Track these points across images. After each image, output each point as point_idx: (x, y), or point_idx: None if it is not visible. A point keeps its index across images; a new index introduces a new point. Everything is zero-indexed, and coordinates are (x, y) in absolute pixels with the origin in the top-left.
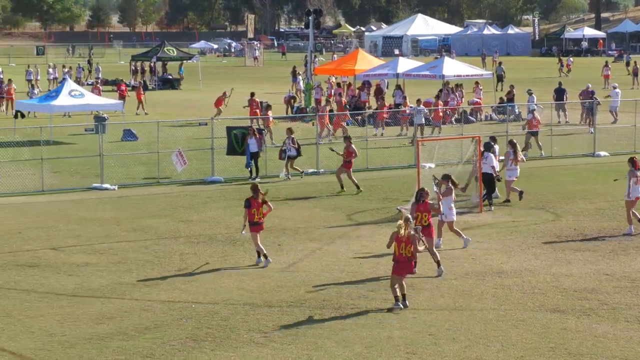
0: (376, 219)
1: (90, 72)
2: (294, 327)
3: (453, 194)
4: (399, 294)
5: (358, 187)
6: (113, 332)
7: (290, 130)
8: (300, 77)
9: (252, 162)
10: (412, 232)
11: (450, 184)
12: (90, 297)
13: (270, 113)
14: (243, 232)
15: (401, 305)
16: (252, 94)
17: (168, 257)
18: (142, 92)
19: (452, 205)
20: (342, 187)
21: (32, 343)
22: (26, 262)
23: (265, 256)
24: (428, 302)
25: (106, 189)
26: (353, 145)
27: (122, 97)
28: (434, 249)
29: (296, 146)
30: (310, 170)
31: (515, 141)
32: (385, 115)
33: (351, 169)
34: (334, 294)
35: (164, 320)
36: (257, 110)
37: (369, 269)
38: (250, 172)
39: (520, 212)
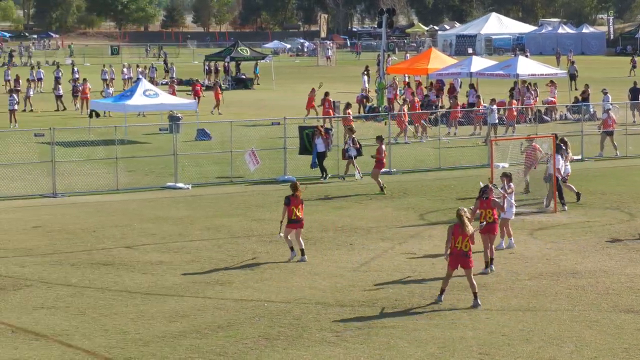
0: (449, 219)
1: (166, 71)
2: (366, 327)
3: (513, 193)
4: (445, 287)
5: (382, 189)
6: (186, 330)
7: (351, 130)
8: (365, 77)
9: (317, 162)
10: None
11: (509, 183)
12: (164, 296)
13: (350, 112)
14: (281, 234)
15: (442, 300)
16: (327, 94)
17: (241, 255)
18: (220, 92)
19: (513, 202)
20: (381, 188)
21: (106, 341)
22: (100, 261)
23: (302, 252)
24: (501, 303)
25: (180, 188)
26: (383, 146)
27: (197, 96)
28: (492, 247)
29: (357, 146)
30: (382, 170)
31: (566, 139)
32: (458, 115)
33: (381, 170)
34: (406, 294)
35: (236, 319)
36: (330, 110)
37: (441, 269)
38: (322, 172)
39: (595, 213)
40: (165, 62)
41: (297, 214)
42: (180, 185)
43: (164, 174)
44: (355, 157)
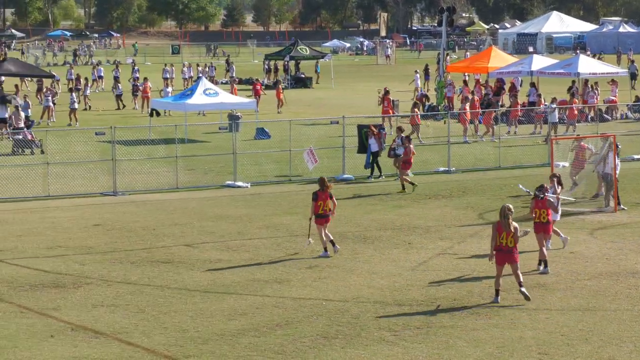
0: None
1: (227, 70)
2: (424, 326)
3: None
4: (498, 287)
5: (403, 188)
6: (245, 328)
7: (400, 130)
8: (418, 75)
9: (372, 161)
10: (515, 225)
11: (559, 184)
12: (223, 294)
13: (417, 110)
14: (310, 240)
15: (499, 301)
16: (387, 92)
17: (299, 254)
18: (281, 91)
19: (558, 205)
20: (412, 183)
21: (165, 339)
22: (160, 259)
23: (333, 243)
24: (561, 303)
25: (239, 186)
26: (411, 145)
27: (257, 95)
28: (544, 248)
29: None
30: (441, 169)
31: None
32: (518, 114)
33: (408, 170)
34: (464, 293)
35: (295, 317)
36: (390, 109)
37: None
38: (372, 170)
39: None
40: (227, 61)
41: (325, 208)
42: (239, 183)
43: (223, 172)
44: (400, 156)
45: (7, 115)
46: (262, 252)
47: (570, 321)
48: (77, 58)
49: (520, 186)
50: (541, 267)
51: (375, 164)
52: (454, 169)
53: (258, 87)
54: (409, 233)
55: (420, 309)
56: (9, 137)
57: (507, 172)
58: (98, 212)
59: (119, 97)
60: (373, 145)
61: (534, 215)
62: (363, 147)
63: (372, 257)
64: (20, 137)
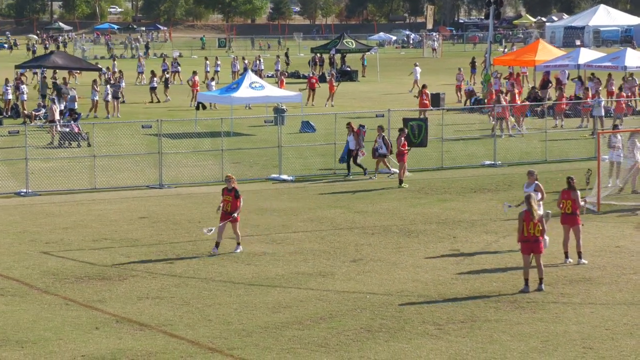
0: (554, 212)
1: (287, 64)
2: (468, 320)
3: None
4: (527, 277)
5: (401, 182)
6: (289, 321)
7: (381, 129)
8: (418, 68)
9: (346, 158)
10: (542, 213)
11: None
12: (267, 287)
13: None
14: (211, 229)
15: (529, 289)
16: (424, 86)
17: (343, 247)
18: (334, 84)
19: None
20: (401, 181)
21: (210, 331)
22: (205, 251)
23: (217, 245)
24: (606, 297)
25: (284, 180)
26: (403, 137)
27: (312, 89)
28: (580, 242)
29: (388, 144)
30: (487, 162)
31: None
32: (564, 107)
33: (404, 162)
34: (509, 287)
35: (338, 310)
36: (427, 102)
37: (545, 262)
38: (348, 169)
39: None
40: (286, 55)
41: (226, 207)
42: (284, 177)
43: (268, 165)
44: (385, 156)
45: (62, 107)
46: (306, 245)
47: (615, 315)
48: (148, 51)
49: (506, 205)
50: (569, 260)
51: (355, 162)
52: (500, 162)
53: (313, 80)
54: (453, 227)
55: (465, 302)
56: (55, 130)
57: (553, 165)
58: (144, 205)
59: (152, 90)
60: (351, 142)
61: (560, 206)
62: (409, 141)
63: (416, 250)
64: (67, 129)
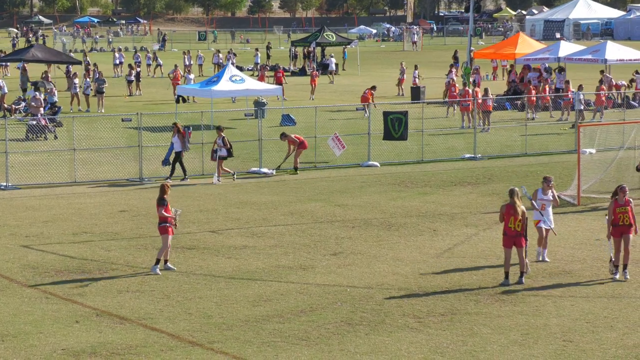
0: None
1: (268, 57)
2: (449, 313)
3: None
4: (508, 270)
5: (296, 169)
6: (269, 314)
7: (220, 129)
8: (404, 68)
9: (174, 161)
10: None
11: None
12: (247, 280)
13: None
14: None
15: (509, 283)
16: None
17: (324, 241)
18: (316, 77)
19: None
20: (296, 168)
21: (190, 325)
22: (185, 245)
23: (157, 262)
24: (586, 290)
25: (264, 173)
26: (292, 135)
27: (278, 83)
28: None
29: (228, 146)
30: (467, 155)
31: None
32: (534, 100)
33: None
34: (490, 280)
35: (319, 304)
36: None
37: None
38: (172, 171)
39: None
40: (267, 48)
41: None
42: (264, 170)
43: (249, 159)
44: (225, 158)
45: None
46: (287, 238)
47: (595, 308)
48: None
49: (525, 191)
50: (617, 274)
51: (180, 165)
52: (480, 155)
53: (280, 74)
54: (434, 220)
55: (445, 295)
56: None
57: (533, 158)
58: (124, 199)
59: (130, 83)
60: (176, 144)
61: (613, 217)
62: (389, 134)
63: (396, 244)
64: (34, 122)
